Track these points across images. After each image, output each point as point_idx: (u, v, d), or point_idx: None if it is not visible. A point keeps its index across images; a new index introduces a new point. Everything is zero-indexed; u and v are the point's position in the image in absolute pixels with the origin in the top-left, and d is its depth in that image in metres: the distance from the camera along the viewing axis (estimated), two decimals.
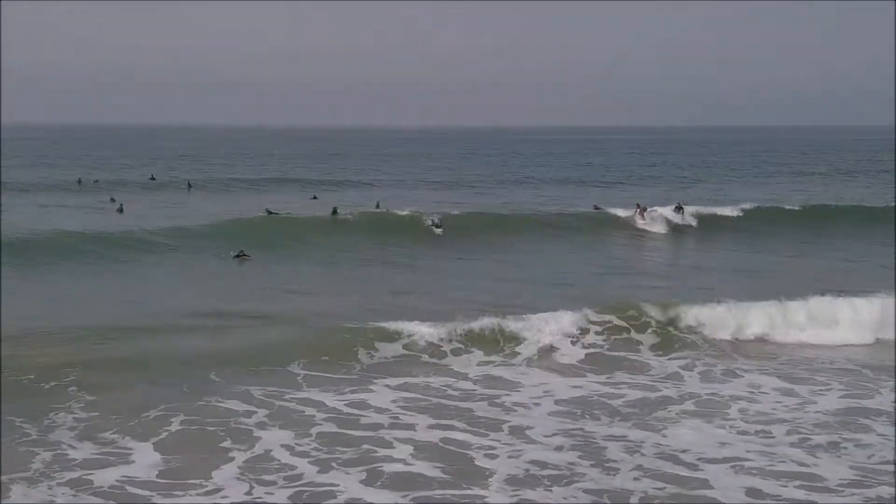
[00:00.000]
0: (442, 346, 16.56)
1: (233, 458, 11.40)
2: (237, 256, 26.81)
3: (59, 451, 11.48)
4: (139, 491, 10.43)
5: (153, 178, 59.30)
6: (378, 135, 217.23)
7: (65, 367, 14.42)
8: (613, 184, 62.13)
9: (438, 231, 32.88)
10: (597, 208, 40.03)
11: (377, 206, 39.84)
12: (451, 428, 12.63)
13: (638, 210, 37.15)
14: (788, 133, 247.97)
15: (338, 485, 10.66)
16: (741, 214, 38.36)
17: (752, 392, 14.73)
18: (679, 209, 37.97)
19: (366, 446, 11.85)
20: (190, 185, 55.70)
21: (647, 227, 36.27)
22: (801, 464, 11.50)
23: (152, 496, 10.32)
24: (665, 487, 10.68)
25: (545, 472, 11.07)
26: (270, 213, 36.22)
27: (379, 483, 10.72)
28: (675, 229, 36.24)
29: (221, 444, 11.88)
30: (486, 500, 10.28)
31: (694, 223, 37.18)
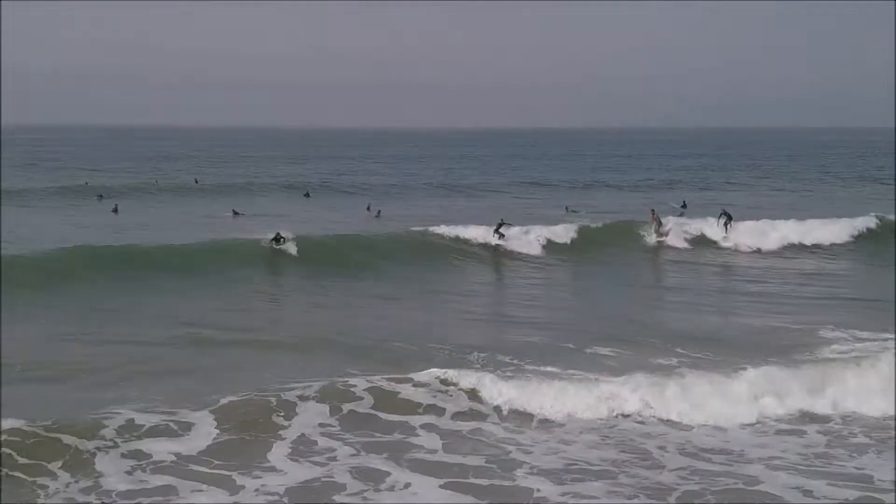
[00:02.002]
0: None
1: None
2: (274, 239, 25.90)
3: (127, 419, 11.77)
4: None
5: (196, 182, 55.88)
6: (372, 135, 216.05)
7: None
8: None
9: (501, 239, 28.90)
10: (568, 210, 39.61)
11: (368, 209, 39.67)
12: None
13: (653, 218, 31.11)
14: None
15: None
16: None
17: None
18: (724, 217, 31.27)
19: None
20: (197, 181, 56.68)
21: (664, 241, 29.88)
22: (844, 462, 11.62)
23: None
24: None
25: None
26: (237, 213, 36.49)
27: None
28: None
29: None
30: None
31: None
